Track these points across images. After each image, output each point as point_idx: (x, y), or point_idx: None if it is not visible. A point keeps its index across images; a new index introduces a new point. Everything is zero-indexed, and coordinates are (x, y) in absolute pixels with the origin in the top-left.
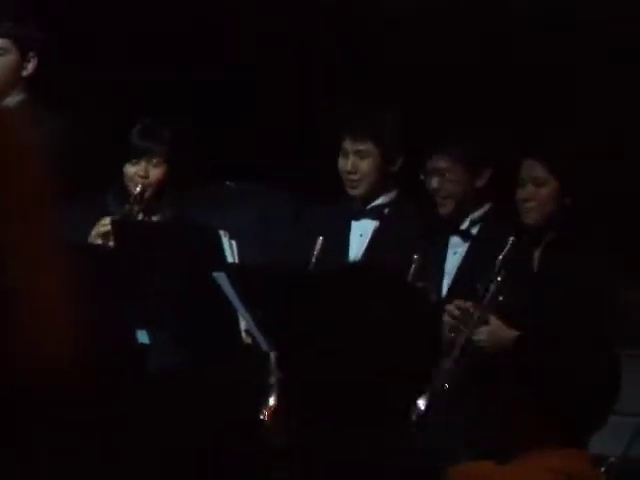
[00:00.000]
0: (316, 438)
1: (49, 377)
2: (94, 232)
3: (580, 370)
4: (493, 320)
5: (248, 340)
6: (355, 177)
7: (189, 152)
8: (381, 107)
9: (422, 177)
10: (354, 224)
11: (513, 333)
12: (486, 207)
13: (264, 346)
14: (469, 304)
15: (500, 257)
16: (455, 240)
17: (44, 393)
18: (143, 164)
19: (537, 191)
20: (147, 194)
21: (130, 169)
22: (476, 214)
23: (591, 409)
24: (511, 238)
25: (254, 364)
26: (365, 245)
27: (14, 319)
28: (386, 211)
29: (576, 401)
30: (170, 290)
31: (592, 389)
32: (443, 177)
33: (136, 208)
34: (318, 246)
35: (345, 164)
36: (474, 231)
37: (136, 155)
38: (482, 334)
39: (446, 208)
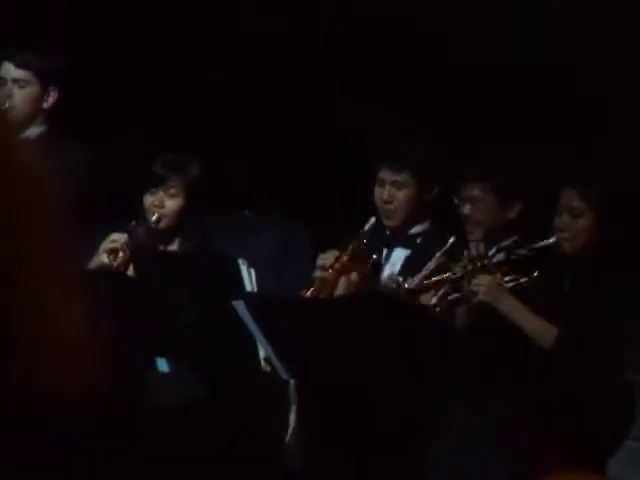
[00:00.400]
0: (332, 463)
1: (58, 393)
2: (102, 248)
3: (596, 396)
4: (498, 276)
5: (267, 368)
6: (391, 207)
7: (207, 182)
8: (418, 138)
9: (456, 202)
10: (386, 252)
11: (510, 298)
12: (513, 238)
13: (283, 374)
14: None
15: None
16: None
17: (52, 408)
18: (160, 194)
19: (573, 222)
20: (162, 224)
21: (148, 199)
22: (503, 244)
23: (607, 434)
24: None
25: (273, 392)
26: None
27: (24, 334)
28: (418, 240)
29: (593, 427)
30: (189, 318)
31: (608, 415)
32: (475, 205)
33: (150, 238)
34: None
35: (382, 193)
36: (496, 259)
37: (154, 184)
38: (482, 280)
39: (475, 236)
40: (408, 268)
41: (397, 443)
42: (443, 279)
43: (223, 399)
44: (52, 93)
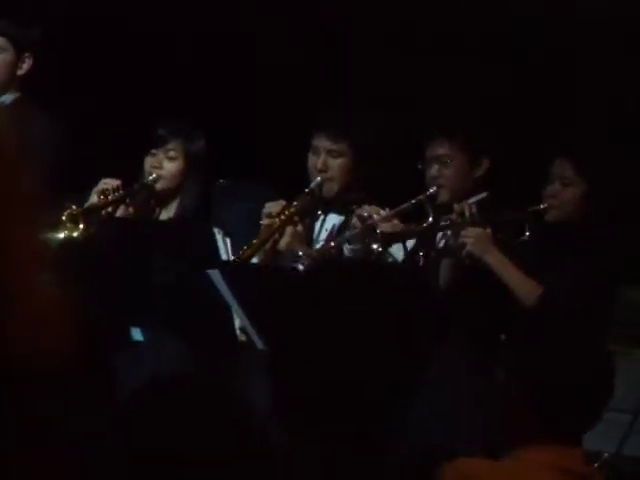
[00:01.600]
0: (308, 437)
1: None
2: (95, 189)
3: (575, 367)
4: (488, 230)
5: (242, 337)
6: (326, 176)
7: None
8: (362, 108)
9: (419, 166)
10: (320, 218)
11: (497, 252)
12: (480, 196)
13: (258, 344)
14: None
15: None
16: None
17: (38, 388)
18: (160, 155)
19: (563, 190)
20: (159, 185)
21: (148, 161)
22: (470, 201)
23: (586, 406)
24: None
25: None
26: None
27: (11, 314)
28: (353, 207)
29: (571, 398)
30: (164, 287)
31: (587, 386)
32: (443, 164)
33: (145, 196)
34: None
35: (316, 162)
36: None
37: (154, 146)
38: (471, 232)
39: (443, 196)
40: (341, 234)
41: (374, 408)
42: (422, 228)
43: (199, 369)
44: (27, 60)
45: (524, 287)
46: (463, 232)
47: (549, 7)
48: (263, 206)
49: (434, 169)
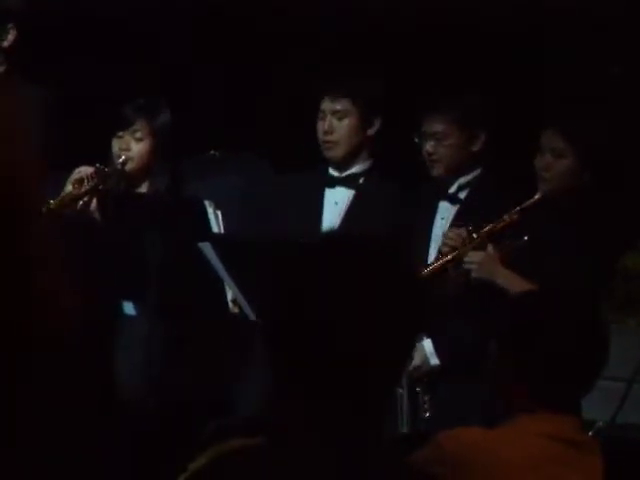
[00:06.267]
0: (299, 410)
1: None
2: (70, 178)
3: (569, 336)
4: (490, 249)
5: (235, 310)
6: (332, 138)
7: (173, 123)
8: (363, 68)
9: (416, 140)
10: (328, 192)
11: (503, 270)
12: (476, 172)
13: (251, 315)
14: (466, 230)
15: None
16: (444, 206)
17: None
18: (127, 137)
19: (555, 162)
20: (129, 167)
21: (115, 143)
22: (465, 179)
23: (579, 374)
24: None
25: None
26: (342, 214)
27: (31, 286)
28: (361, 180)
29: (565, 366)
30: (156, 261)
31: (580, 354)
32: (438, 141)
33: (116, 179)
34: None
35: (322, 125)
36: (462, 196)
37: (121, 128)
38: (474, 257)
39: (437, 170)
40: (355, 208)
41: (372, 381)
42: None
43: (191, 341)
44: (11, 31)
45: None
46: (466, 259)
47: None
48: (255, 177)
49: (430, 145)
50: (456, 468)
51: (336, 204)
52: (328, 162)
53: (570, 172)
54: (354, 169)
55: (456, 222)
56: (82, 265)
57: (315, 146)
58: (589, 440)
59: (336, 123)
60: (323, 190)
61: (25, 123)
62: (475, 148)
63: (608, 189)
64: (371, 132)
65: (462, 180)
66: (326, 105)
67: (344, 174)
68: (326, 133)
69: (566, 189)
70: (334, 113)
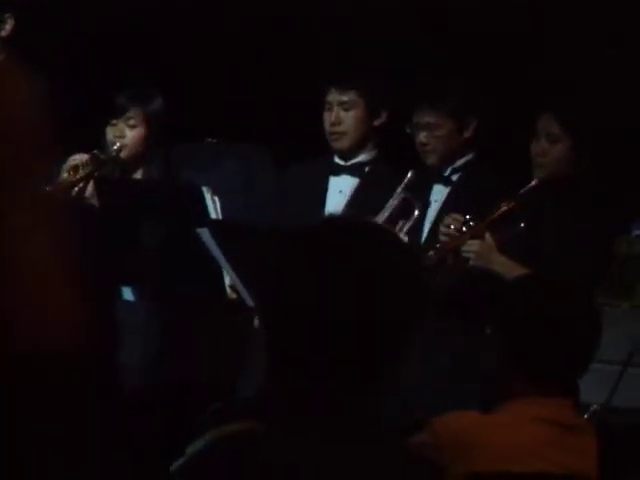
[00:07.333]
0: (296, 392)
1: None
2: (65, 166)
3: (562, 319)
4: (488, 237)
5: (233, 295)
6: (339, 129)
7: (171, 109)
8: (366, 60)
9: (408, 130)
10: (332, 180)
11: (501, 258)
12: (469, 157)
13: (249, 301)
14: (464, 218)
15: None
16: (437, 188)
17: (42, 362)
18: (120, 125)
19: (550, 147)
20: (123, 154)
21: (110, 131)
22: (458, 163)
23: (573, 358)
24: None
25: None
26: (345, 202)
27: (8, 288)
28: (366, 169)
29: (559, 350)
30: (154, 247)
31: (574, 338)
32: (431, 132)
33: (111, 166)
34: None
35: (329, 116)
36: (455, 178)
37: (114, 116)
38: (472, 246)
39: (431, 159)
40: (358, 196)
41: (371, 362)
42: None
43: (189, 327)
44: (9, 21)
45: None
46: (464, 247)
47: None
48: (252, 164)
49: (422, 136)
50: (452, 453)
51: (340, 192)
52: (333, 152)
53: (566, 158)
54: (359, 158)
55: (454, 211)
56: (79, 251)
57: (315, 135)
58: (584, 423)
59: (343, 114)
60: (327, 178)
61: (27, 107)
62: (467, 134)
63: (604, 174)
64: (377, 123)
65: (456, 164)
66: (333, 97)
67: (349, 162)
68: (333, 124)
69: (562, 175)
70: (341, 104)
